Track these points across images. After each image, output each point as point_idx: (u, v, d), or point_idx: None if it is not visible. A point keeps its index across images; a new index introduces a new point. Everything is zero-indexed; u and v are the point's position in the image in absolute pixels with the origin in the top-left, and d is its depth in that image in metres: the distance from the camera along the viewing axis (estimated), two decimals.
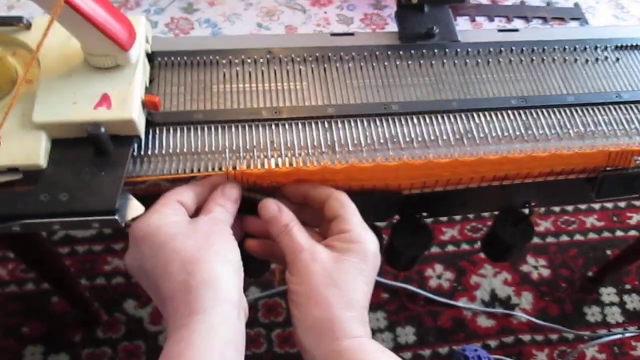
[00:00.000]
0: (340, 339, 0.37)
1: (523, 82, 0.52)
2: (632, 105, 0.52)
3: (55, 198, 0.39)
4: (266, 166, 0.43)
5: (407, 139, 0.46)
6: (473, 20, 0.62)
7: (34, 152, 0.40)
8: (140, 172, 0.43)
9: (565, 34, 0.59)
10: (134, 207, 0.41)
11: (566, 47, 0.56)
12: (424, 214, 0.52)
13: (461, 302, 1.06)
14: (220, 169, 0.43)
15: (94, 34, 0.40)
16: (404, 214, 0.53)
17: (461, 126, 0.48)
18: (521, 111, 0.50)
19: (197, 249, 0.37)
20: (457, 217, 1.15)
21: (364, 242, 0.41)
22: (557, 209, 1.21)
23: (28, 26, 0.46)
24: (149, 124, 0.45)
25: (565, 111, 0.51)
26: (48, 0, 0.36)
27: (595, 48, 0.56)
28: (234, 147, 0.45)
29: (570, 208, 1.22)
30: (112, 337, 0.98)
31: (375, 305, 1.03)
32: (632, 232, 1.22)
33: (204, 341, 0.34)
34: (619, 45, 0.57)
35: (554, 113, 0.50)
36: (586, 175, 0.52)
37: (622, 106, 0.52)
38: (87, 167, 0.41)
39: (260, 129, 0.46)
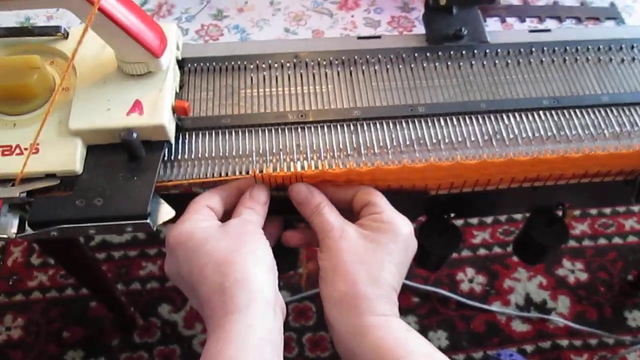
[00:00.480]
0: (365, 315, 0.38)
1: (555, 82, 0.51)
2: None
3: (90, 203, 0.40)
4: (292, 169, 0.44)
5: (434, 141, 0.46)
6: (503, 21, 0.61)
7: (71, 158, 0.41)
8: (171, 176, 0.44)
9: (600, 33, 0.57)
10: (165, 211, 0.42)
11: (601, 46, 0.54)
12: (452, 214, 0.52)
13: (495, 307, 1.05)
14: (247, 172, 0.44)
15: (127, 41, 0.41)
16: (431, 214, 0.52)
17: (490, 127, 0.47)
18: (553, 112, 0.49)
19: (229, 250, 0.38)
20: (489, 220, 1.14)
21: (395, 224, 0.41)
22: (594, 211, 1.18)
23: (66, 36, 0.48)
24: (179, 129, 0.46)
25: (599, 111, 0.49)
26: (83, 9, 0.38)
27: (632, 47, 0.55)
28: (261, 151, 0.45)
29: (607, 211, 1.19)
30: (148, 341, 1.00)
31: (406, 310, 1.02)
32: None
33: (240, 340, 0.34)
34: None
35: (588, 113, 0.49)
36: (624, 177, 0.51)
37: None
38: (120, 173, 0.42)
39: (287, 132, 0.46)
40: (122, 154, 0.42)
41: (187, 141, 0.46)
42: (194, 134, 0.46)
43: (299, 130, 0.46)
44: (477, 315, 1.04)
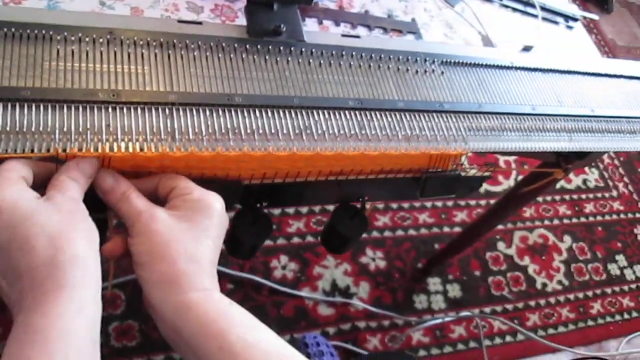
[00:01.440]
0: (187, 291, 0.38)
1: (360, 85, 0.56)
2: (452, 115, 0.58)
3: None
4: (100, 150, 0.42)
5: (249, 131, 0.47)
6: (320, 23, 0.65)
7: None
8: None
9: (401, 45, 0.64)
10: None
11: (400, 57, 0.61)
12: (265, 203, 0.54)
13: (304, 292, 1.11)
14: (48, 150, 0.41)
15: None
16: (245, 204, 0.54)
17: (301, 122, 0.50)
18: (357, 112, 0.53)
19: (64, 225, 0.36)
20: (304, 211, 1.20)
21: (207, 200, 0.42)
22: (394, 205, 1.32)
23: None
24: None
25: (395, 115, 0.55)
26: None
27: (425, 61, 0.62)
28: (65, 129, 0.42)
29: (406, 205, 1.33)
30: None
31: None
32: (457, 229, 1.36)
33: (74, 317, 0.33)
34: (445, 60, 0.63)
35: (386, 116, 0.55)
36: (412, 175, 0.58)
37: (443, 115, 0.58)
38: None
39: (96, 111, 0.44)
40: None
41: None
42: None
43: (110, 110, 0.44)
44: (288, 300, 1.10)
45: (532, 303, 1.36)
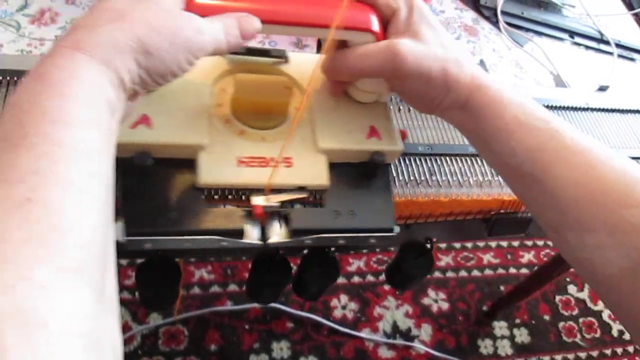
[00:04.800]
0: (462, 90, 0.40)
1: (430, 130, 0.55)
2: None
3: (341, 216, 0.43)
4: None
5: None
6: None
7: (321, 174, 0.43)
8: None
9: None
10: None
11: None
12: (332, 248, 0.54)
13: (364, 333, 1.09)
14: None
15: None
16: (313, 247, 0.54)
17: None
18: (427, 158, 0.53)
19: None
20: (364, 250, 1.19)
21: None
22: (457, 245, 1.28)
23: (286, 59, 0.48)
24: None
25: (466, 160, 0.54)
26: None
27: None
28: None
29: (469, 245, 1.30)
30: None
31: (279, 335, 1.03)
32: (524, 270, 1.31)
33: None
34: None
35: (457, 161, 0.54)
36: (482, 216, 0.56)
37: None
38: (360, 189, 0.45)
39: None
40: (358, 172, 0.45)
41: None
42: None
43: None
44: (348, 341, 1.08)
45: (608, 351, 1.27)
